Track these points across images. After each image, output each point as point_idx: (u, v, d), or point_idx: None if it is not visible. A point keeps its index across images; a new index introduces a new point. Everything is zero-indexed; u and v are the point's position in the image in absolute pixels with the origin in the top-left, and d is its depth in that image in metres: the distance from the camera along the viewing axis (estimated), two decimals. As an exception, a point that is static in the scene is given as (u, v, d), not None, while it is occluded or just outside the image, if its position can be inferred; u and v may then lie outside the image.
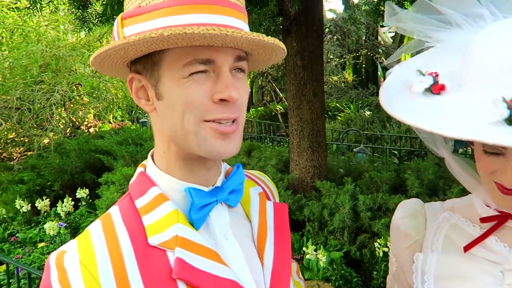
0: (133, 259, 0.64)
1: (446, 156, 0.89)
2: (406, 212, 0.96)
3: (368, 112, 10.77)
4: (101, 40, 9.99)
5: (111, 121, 11.77)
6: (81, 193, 5.01)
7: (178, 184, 0.72)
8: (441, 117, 0.67)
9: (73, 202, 4.77)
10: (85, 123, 10.32)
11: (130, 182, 0.77)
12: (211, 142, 0.67)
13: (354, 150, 6.27)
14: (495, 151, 0.73)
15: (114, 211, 0.71)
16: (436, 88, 0.71)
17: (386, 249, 3.13)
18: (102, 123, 11.11)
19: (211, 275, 0.66)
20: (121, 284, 0.62)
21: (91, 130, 10.26)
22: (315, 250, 3.22)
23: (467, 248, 0.83)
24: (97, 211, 4.44)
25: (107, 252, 0.64)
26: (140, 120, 11.94)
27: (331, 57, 13.07)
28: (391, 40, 14.16)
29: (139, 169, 0.78)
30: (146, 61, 0.68)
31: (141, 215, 0.69)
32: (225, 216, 0.75)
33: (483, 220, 0.83)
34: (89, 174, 5.59)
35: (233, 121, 0.68)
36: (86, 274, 0.61)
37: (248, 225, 0.79)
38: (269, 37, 0.64)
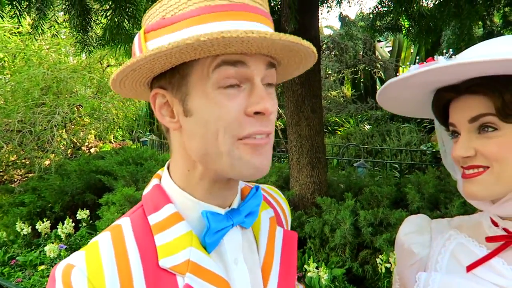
0: (142, 281, 0.62)
1: (458, 179, 0.88)
2: (412, 228, 0.95)
3: (367, 126, 10.80)
4: (101, 61, 10.11)
5: (112, 141, 11.80)
6: (82, 214, 4.99)
7: (196, 204, 0.69)
8: None
9: (73, 224, 4.75)
10: (86, 143, 10.35)
11: (144, 193, 0.74)
12: (247, 159, 0.63)
13: (354, 164, 6.26)
14: (454, 131, 0.77)
15: (126, 225, 0.68)
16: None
17: (388, 265, 3.10)
18: (103, 143, 11.14)
19: None
20: None
21: (92, 150, 10.28)
22: (317, 268, 3.18)
23: (469, 268, 0.81)
24: (97, 232, 4.42)
25: (117, 271, 0.62)
26: (141, 140, 11.98)
27: (330, 72, 13.18)
28: (389, 55, 14.29)
29: (154, 180, 0.74)
30: (172, 75, 0.64)
31: (154, 233, 0.66)
32: (238, 239, 0.72)
33: (489, 239, 0.81)
34: (90, 195, 5.58)
35: (266, 135, 0.65)
36: None
37: (256, 250, 0.76)
38: (305, 40, 0.61)
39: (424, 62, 0.76)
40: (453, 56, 0.74)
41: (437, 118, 0.85)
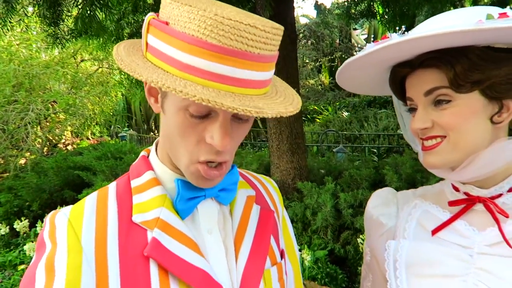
0: (115, 231, 0.69)
1: (418, 150, 0.91)
2: (379, 201, 0.98)
3: (346, 113, 10.93)
4: (75, 56, 9.87)
5: (89, 137, 11.59)
6: (61, 211, 4.89)
7: (171, 175, 0.76)
8: None
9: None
10: (63, 140, 10.13)
11: (132, 164, 0.83)
12: (195, 178, 0.70)
13: (334, 150, 6.35)
14: (411, 106, 0.80)
15: (112, 186, 0.77)
16: None
17: (369, 245, 3.17)
18: (80, 140, 10.93)
19: (183, 260, 0.69)
20: (99, 249, 0.67)
21: (69, 147, 10.08)
22: (300, 250, 3.24)
23: (434, 231, 0.85)
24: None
25: (94, 219, 0.70)
26: (119, 135, 11.79)
27: (307, 61, 13.24)
28: (364, 42, 14.44)
29: (143, 153, 0.83)
30: None
31: (133, 194, 0.74)
32: (213, 212, 0.77)
33: (451, 203, 0.84)
34: (68, 191, 5.48)
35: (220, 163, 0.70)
36: (70, 231, 0.68)
37: (231, 225, 0.80)
38: (274, 110, 0.62)
39: (379, 40, 0.79)
40: (405, 33, 0.76)
41: (395, 93, 0.88)
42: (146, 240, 0.70)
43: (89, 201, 0.73)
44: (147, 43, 0.67)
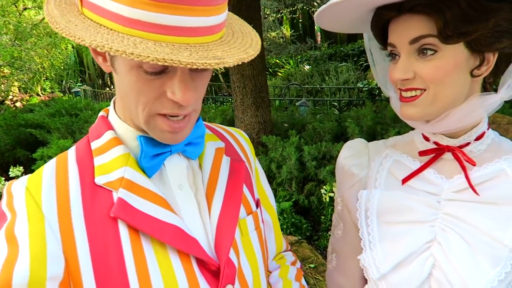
0: (78, 195, 0.67)
1: (392, 95, 0.91)
2: (351, 152, 0.98)
3: (307, 67, 10.92)
4: (16, 4, 9.04)
5: (40, 93, 10.93)
6: (15, 171, 4.67)
7: (134, 132, 0.72)
8: None
9: (6, 182, 4.46)
10: (10, 97, 9.50)
11: (92, 126, 0.79)
12: (160, 132, 0.67)
13: (297, 104, 6.39)
14: (392, 52, 0.79)
15: (71, 151, 0.73)
16: None
17: (331, 195, 3.30)
18: (30, 96, 10.29)
19: (153, 218, 0.67)
20: (62, 215, 0.65)
21: (18, 104, 9.48)
22: (266, 203, 3.31)
23: (405, 180, 0.86)
24: (36, 189, 4.20)
25: (54, 184, 0.67)
26: (73, 90, 11.21)
27: (268, 12, 12.91)
28: (326, -8, 14.21)
29: (101, 113, 0.78)
30: None
31: (94, 156, 0.71)
32: (181, 167, 0.75)
33: (421, 153, 0.86)
34: (21, 150, 5.21)
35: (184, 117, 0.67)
36: (29, 199, 0.65)
37: (201, 178, 0.78)
38: (234, 57, 0.58)
39: None
40: None
41: (376, 37, 0.85)
42: (112, 202, 0.67)
43: (48, 167, 0.70)
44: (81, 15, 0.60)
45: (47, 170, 0.70)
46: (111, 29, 0.57)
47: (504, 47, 0.74)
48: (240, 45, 0.63)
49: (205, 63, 0.54)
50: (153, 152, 0.70)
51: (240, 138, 0.93)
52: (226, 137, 0.89)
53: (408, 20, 0.74)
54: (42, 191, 0.66)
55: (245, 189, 0.84)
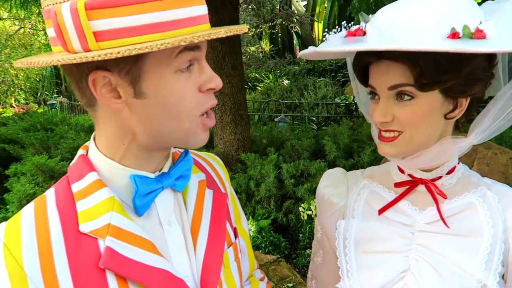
0: (61, 246, 0.63)
1: (372, 122, 0.94)
2: (330, 181, 1.01)
3: (286, 81, 11.05)
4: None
5: (14, 105, 10.64)
6: (-14, 188, 4.52)
7: (124, 170, 0.70)
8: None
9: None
10: (-18, 109, 9.21)
11: (70, 164, 0.74)
12: (198, 135, 0.69)
13: (275, 119, 6.44)
14: (372, 91, 0.83)
15: (50, 194, 0.69)
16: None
17: (309, 212, 3.33)
18: (3, 108, 10.00)
19: (142, 264, 0.66)
20: (46, 271, 0.61)
21: (-10, 116, 9.19)
22: (245, 221, 3.31)
23: (381, 211, 0.90)
24: (7, 206, 4.07)
25: (35, 237, 0.62)
26: (48, 102, 10.95)
27: (248, 27, 13.05)
28: (304, 9, 14.50)
29: (80, 151, 0.74)
30: (122, 58, 0.60)
31: (76, 200, 0.67)
32: (169, 201, 0.74)
33: (397, 185, 0.90)
34: (-7, 166, 5.05)
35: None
36: (8, 258, 0.60)
37: (185, 212, 0.78)
38: (244, 26, 0.66)
39: (351, 29, 0.78)
40: (373, 19, 0.77)
41: (357, 77, 0.90)
42: (98, 250, 0.64)
43: (26, 215, 0.65)
44: (94, 33, 0.58)
45: (25, 221, 0.64)
46: (139, 43, 0.58)
47: (476, 92, 0.79)
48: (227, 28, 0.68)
49: (229, 29, 0.63)
50: (146, 190, 0.68)
51: (216, 165, 0.93)
52: (205, 167, 0.90)
53: (387, 67, 0.78)
54: (23, 247, 0.61)
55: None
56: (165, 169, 0.75)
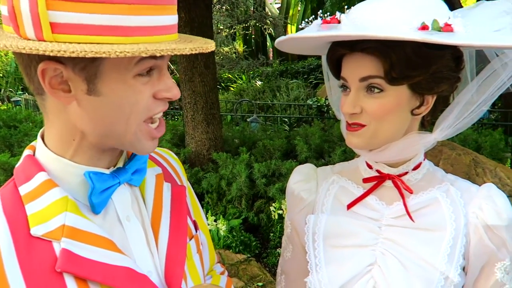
0: (11, 252, 0.59)
1: (342, 119, 0.97)
2: (300, 177, 1.02)
3: (259, 82, 11.09)
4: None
5: (-26, 101, 10.16)
6: None
7: (78, 168, 0.67)
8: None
9: None
10: None
11: (16, 166, 0.70)
12: (143, 143, 0.68)
13: (248, 120, 6.45)
14: (344, 84, 0.84)
15: None
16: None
17: (280, 212, 3.35)
18: (-37, 104, 9.53)
19: (103, 264, 0.63)
20: None
21: None
22: (215, 221, 3.30)
23: (349, 206, 0.92)
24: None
25: None
26: (12, 99, 10.53)
27: (221, 27, 13.01)
28: (278, 12, 14.61)
29: (26, 151, 0.70)
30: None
31: (25, 203, 0.63)
32: (127, 197, 0.73)
33: (365, 180, 0.92)
34: (-49, 164, 4.79)
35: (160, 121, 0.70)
36: None
37: (144, 207, 0.77)
38: (211, 44, 0.65)
39: (328, 18, 0.80)
40: (348, 13, 0.78)
41: (331, 69, 0.91)
42: (53, 254, 0.61)
43: None
44: (51, 23, 0.54)
45: None
46: (102, 43, 0.55)
47: (442, 91, 0.82)
48: (198, 42, 0.67)
49: (203, 47, 0.62)
50: (102, 186, 0.66)
51: (171, 160, 0.92)
52: (160, 162, 0.88)
53: (359, 59, 0.80)
54: None
55: None
56: (120, 164, 0.73)
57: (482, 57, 0.85)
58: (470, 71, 0.85)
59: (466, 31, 0.72)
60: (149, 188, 0.78)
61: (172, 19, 0.63)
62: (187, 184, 0.94)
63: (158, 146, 0.94)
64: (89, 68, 0.59)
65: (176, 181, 0.87)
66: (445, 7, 0.80)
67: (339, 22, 0.80)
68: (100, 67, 0.59)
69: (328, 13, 0.85)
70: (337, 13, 0.81)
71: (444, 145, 2.72)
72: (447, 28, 0.72)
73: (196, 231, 0.86)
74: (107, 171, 0.70)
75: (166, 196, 0.80)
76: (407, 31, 0.72)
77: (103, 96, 0.61)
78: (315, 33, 0.79)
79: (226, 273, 1.03)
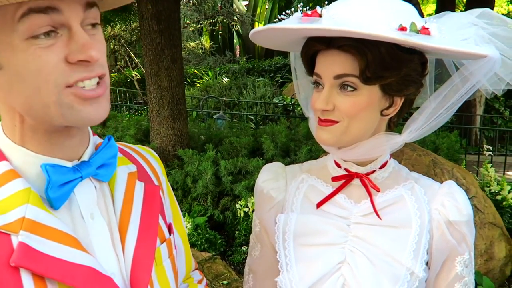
0: None
1: (310, 117, 0.97)
2: (269, 175, 1.01)
3: (225, 79, 11.04)
4: None
5: None
6: None
7: (36, 158, 0.63)
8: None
9: None
10: None
11: None
12: (78, 109, 0.59)
13: (214, 116, 6.41)
14: (317, 81, 0.85)
15: None
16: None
17: (246, 209, 3.35)
18: None
19: (63, 261, 0.60)
20: None
21: None
22: (180, 218, 3.24)
23: (319, 204, 0.92)
24: None
25: None
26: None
27: (188, 22, 12.83)
28: (245, 9, 14.60)
29: None
30: None
31: None
32: (92, 193, 0.68)
33: (334, 179, 0.93)
34: None
35: (98, 83, 0.60)
36: None
37: (112, 205, 0.72)
38: None
39: (308, 12, 0.79)
40: (329, 11, 0.78)
41: (304, 64, 0.91)
42: (11, 247, 0.57)
43: None
44: None
45: None
46: None
47: (409, 94, 0.85)
48: None
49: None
50: (61, 180, 0.61)
51: (150, 158, 0.88)
52: (137, 159, 0.84)
53: (335, 56, 0.80)
54: None
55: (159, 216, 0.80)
56: (85, 157, 0.69)
57: (440, 65, 0.90)
58: (429, 81, 0.89)
59: (441, 36, 0.75)
60: (119, 186, 0.73)
61: None
62: (166, 185, 0.90)
63: (121, 142, 0.89)
64: None
65: (151, 180, 0.83)
66: (418, 14, 0.82)
67: (320, 16, 0.80)
68: None
69: (306, 7, 0.84)
70: (318, 8, 0.81)
71: (405, 146, 2.83)
72: (425, 31, 0.74)
73: (170, 235, 0.82)
74: (69, 164, 0.65)
75: (138, 195, 0.75)
76: (388, 31, 0.73)
77: (3, 69, 0.56)
78: (296, 25, 0.79)
79: (205, 281, 1.00)
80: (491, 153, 5.53)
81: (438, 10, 7.23)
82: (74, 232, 0.63)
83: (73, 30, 0.56)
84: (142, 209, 0.74)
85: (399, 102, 0.85)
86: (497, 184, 3.56)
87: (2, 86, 0.58)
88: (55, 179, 0.61)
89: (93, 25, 0.61)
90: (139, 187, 0.77)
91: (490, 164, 3.91)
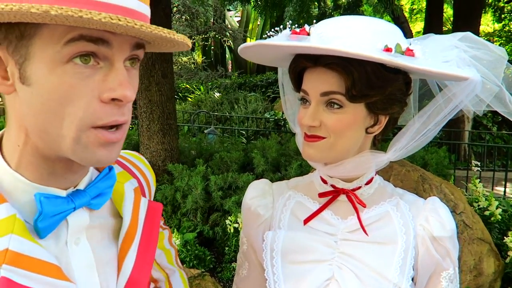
0: None
1: (297, 132, 0.98)
2: (256, 193, 1.01)
3: (217, 94, 11.08)
4: None
5: None
6: None
7: (28, 185, 0.60)
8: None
9: None
10: None
11: None
12: (92, 151, 0.56)
13: (205, 131, 6.40)
14: (304, 97, 0.86)
15: None
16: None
17: (236, 225, 3.32)
18: None
19: None
20: None
21: None
22: (169, 234, 3.20)
23: (306, 221, 0.92)
24: None
25: None
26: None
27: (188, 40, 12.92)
28: (237, 25, 14.77)
29: None
30: (10, 29, 0.51)
31: None
32: (83, 220, 0.65)
33: (321, 195, 0.93)
34: None
35: (119, 125, 0.58)
36: None
37: (113, 224, 0.70)
38: (179, 34, 0.57)
39: (297, 30, 0.81)
40: (316, 29, 0.80)
41: (292, 80, 0.92)
42: None
43: None
44: None
45: None
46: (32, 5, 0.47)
47: (394, 112, 0.86)
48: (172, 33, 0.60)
49: (170, 34, 0.53)
50: (53, 211, 0.58)
51: (143, 167, 0.84)
52: (134, 173, 0.81)
53: (322, 74, 0.82)
54: None
55: None
56: (81, 186, 0.65)
57: (424, 84, 0.92)
58: (413, 100, 0.91)
59: (425, 58, 0.77)
60: (127, 204, 0.70)
61: (141, 5, 0.56)
62: (152, 194, 0.87)
63: (134, 153, 0.87)
64: (19, 48, 0.52)
65: (147, 195, 0.80)
66: (403, 36, 0.85)
67: (308, 34, 0.81)
68: (29, 48, 0.52)
69: (296, 25, 0.86)
70: (306, 26, 0.83)
71: (394, 161, 2.84)
72: (409, 52, 0.76)
73: None
74: (64, 193, 0.62)
75: (142, 212, 0.72)
76: (374, 51, 0.75)
77: (33, 86, 0.53)
78: (285, 42, 0.80)
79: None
80: (479, 168, 5.59)
81: (426, 28, 7.42)
82: (58, 260, 0.60)
83: (115, 66, 0.55)
84: (144, 226, 0.72)
85: (383, 120, 0.86)
86: (485, 199, 3.59)
87: (23, 102, 0.55)
88: (47, 211, 0.58)
89: (133, 62, 0.59)
90: (143, 203, 0.74)
91: (478, 180, 3.95)
